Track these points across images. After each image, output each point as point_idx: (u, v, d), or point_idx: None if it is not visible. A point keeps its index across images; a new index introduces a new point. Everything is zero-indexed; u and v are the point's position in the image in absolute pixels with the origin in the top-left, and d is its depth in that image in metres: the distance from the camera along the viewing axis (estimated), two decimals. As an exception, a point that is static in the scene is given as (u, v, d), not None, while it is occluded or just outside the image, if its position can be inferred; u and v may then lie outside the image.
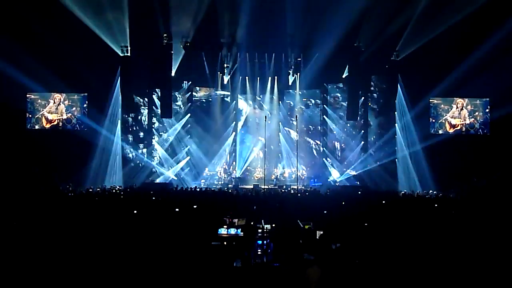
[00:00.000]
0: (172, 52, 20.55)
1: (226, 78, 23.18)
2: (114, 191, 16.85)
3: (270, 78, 23.19)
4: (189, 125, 23.17)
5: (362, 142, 22.36)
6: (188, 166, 22.70)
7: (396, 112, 21.16)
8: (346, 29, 19.16)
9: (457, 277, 5.52)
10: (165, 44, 20.21)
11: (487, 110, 21.08)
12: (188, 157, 22.73)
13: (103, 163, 19.75)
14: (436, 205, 13.06)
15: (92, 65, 19.27)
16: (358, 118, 22.05)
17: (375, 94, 22.52)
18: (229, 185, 21.21)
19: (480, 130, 21.13)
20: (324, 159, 23.18)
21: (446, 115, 21.24)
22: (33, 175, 18.08)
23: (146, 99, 22.13)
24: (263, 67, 22.73)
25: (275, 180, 22.14)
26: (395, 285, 5.51)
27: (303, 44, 21.18)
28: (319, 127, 23.65)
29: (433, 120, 21.30)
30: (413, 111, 20.65)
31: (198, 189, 17.50)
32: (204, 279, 5.54)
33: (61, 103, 20.87)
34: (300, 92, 23.77)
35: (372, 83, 22.41)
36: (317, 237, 7.90)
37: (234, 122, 23.92)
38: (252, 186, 20.39)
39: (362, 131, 22.49)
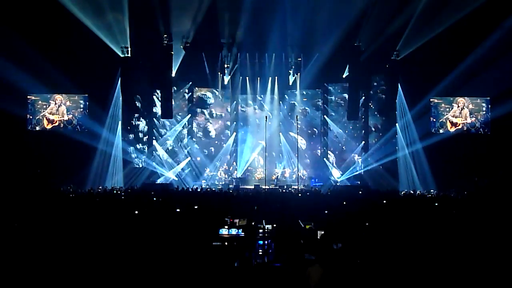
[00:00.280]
0: (172, 52, 20.56)
1: (226, 79, 23.21)
2: (115, 192, 16.85)
3: (270, 78, 23.22)
4: (189, 126, 23.22)
5: (363, 142, 22.38)
6: (189, 166, 22.73)
7: (396, 112, 21.15)
8: (346, 29, 19.18)
9: (458, 276, 5.52)
10: (166, 44, 20.22)
11: (488, 109, 21.06)
12: (189, 158, 22.76)
13: (104, 164, 19.77)
14: (436, 204, 13.05)
15: (93, 66, 19.30)
16: (359, 118, 22.05)
17: (375, 94, 22.51)
18: (230, 186, 21.22)
19: (481, 129, 21.12)
20: (324, 159, 23.18)
21: (447, 114, 21.24)
22: (34, 176, 18.10)
23: (146, 100, 22.14)
24: (264, 67, 22.75)
25: (275, 180, 22.14)
26: (396, 285, 5.51)
27: (303, 44, 21.17)
28: (320, 127, 23.66)
29: (434, 120, 21.31)
30: (413, 110, 20.64)
31: (199, 190, 17.50)
32: (205, 280, 5.55)
33: (62, 104, 20.89)
34: (300, 92, 23.78)
35: (372, 83, 22.39)
36: (318, 237, 7.89)
37: (234, 122, 23.95)
38: (253, 186, 20.41)
39: (363, 130, 22.51)
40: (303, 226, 8.69)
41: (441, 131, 21.26)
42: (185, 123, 23.04)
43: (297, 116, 21.61)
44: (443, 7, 17.78)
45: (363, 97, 22.08)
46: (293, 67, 22.78)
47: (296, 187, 19.54)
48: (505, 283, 5.37)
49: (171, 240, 7.35)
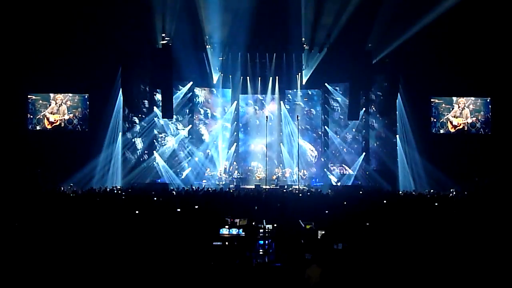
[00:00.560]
0: (173, 52, 20.55)
1: (227, 78, 23.19)
2: (115, 191, 16.86)
3: (271, 78, 23.21)
4: (190, 126, 23.22)
5: (364, 142, 22.37)
6: (190, 166, 22.73)
7: (397, 112, 21.15)
8: (347, 29, 19.17)
9: (459, 276, 5.52)
10: (166, 44, 20.21)
11: (488, 110, 21.06)
12: (189, 158, 22.77)
13: (104, 164, 19.77)
14: (436, 204, 13.05)
15: (94, 65, 19.30)
16: (359, 118, 22.04)
17: (376, 94, 22.50)
18: (231, 185, 21.21)
19: (481, 130, 21.12)
20: (325, 158, 23.18)
21: (447, 114, 21.23)
22: (34, 175, 18.10)
23: (147, 100, 22.15)
24: (264, 67, 22.73)
25: (276, 180, 22.14)
26: (397, 285, 5.51)
27: (304, 44, 21.16)
28: (320, 127, 23.66)
29: (435, 120, 21.30)
30: (414, 110, 20.63)
31: (199, 189, 17.50)
32: (205, 279, 5.55)
33: (62, 103, 20.89)
34: (301, 92, 23.78)
35: (373, 83, 22.37)
36: (319, 237, 7.90)
37: (235, 122, 23.96)
38: (253, 186, 20.40)
39: (363, 131, 22.49)
40: (303, 226, 8.69)
41: (441, 131, 21.25)
42: (186, 123, 23.03)
43: (297, 116, 21.60)
44: (443, 7, 17.75)
45: (364, 97, 22.07)
46: (294, 67, 22.76)
47: (296, 187, 19.54)
48: (505, 283, 5.37)
49: (172, 239, 7.35)
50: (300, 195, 16.41)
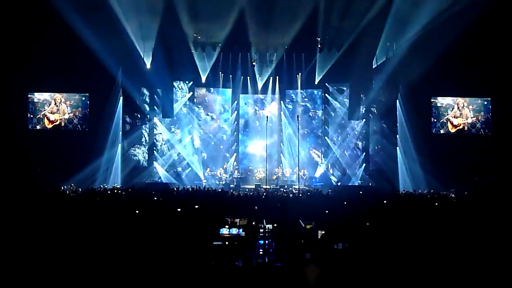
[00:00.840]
0: (173, 52, 20.56)
1: (227, 78, 23.20)
2: (115, 191, 16.86)
3: (271, 78, 23.21)
4: (190, 125, 23.22)
5: (364, 142, 22.36)
6: (190, 166, 22.74)
7: (397, 112, 21.15)
8: (347, 29, 19.17)
9: (459, 277, 5.51)
10: (166, 44, 20.21)
11: (488, 110, 21.06)
12: (189, 158, 22.77)
13: (104, 163, 19.77)
14: (436, 204, 13.05)
15: (94, 65, 19.30)
16: (360, 118, 22.03)
17: (376, 94, 22.46)
18: (231, 185, 21.22)
19: (481, 130, 21.12)
20: (325, 158, 23.18)
21: (447, 114, 21.23)
22: (34, 175, 18.11)
23: (147, 99, 22.15)
24: (265, 67, 22.73)
25: (276, 180, 22.13)
26: (397, 285, 5.51)
27: (304, 44, 21.16)
28: (321, 127, 23.65)
29: (435, 120, 21.31)
30: (414, 111, 20.63)
31: (199, 189, 17.50)
32: (205, 279, 5.55)
33: (62, 103, 20.90)
34: (301, 92, 23.78)
35: (373, 83, 22.37)
36: (319, 237, 7.90)
37: (235, 122, 23.96)
38: (253, 186, 20.40)
39: (364, 131, 22.49)
40: (303, 226, 8.69)
41: (441, 131, 21.25)
42: (186, 123, 23.04)
43: (298, 116, 21.62)
44: (444, 7, 17.76)
45: (364, 98, 22.06)
46: (295, 67, 22.77)
47: (296, 186, 19.53)
48: (505, 283, 5.36)
49: (172, 239, 7.35)
50: (300, 195, 16.41)
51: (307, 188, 20.08)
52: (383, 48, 20.20)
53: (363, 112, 22.11)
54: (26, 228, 8.10)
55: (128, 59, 19.97)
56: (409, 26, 18.80)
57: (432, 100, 21.19)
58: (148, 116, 22.09)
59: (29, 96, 20.63)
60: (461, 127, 21.20)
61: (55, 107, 20.81)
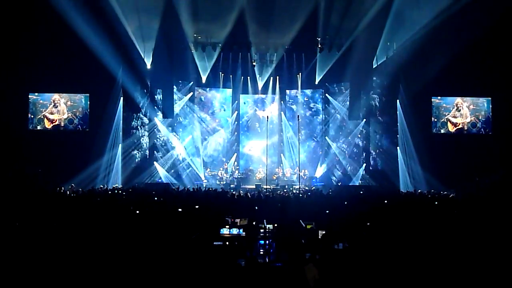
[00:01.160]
0: (173, 52, 20.56)
1: (227, 78, 23.20)
2: (116, 191, 16.87)
3: (272, 78, 23.22)
4: (190, 125, 23.24)
5: (364, 142, 22.36)
6: (190, 166, 22.75)
7: (397, 112, 21.15)
8: (347, 29, 19.17)
9: (459, 277, 5.51)
10: (167, 44, 20.21)
11: (489, 109, 21.05)
12: (190, 158, 22.78)
13: (105, 164, 19.77)
14: (436, 203, 13.04)
15: (94, 65, 19.30)
16: (360, 117, 22.04)
17: (377, 94, 22.49)
18: (231, 185, 21.22)
19: (482, 129, 21.12)
20: (325, 158, 23.18)
21: (448, 114, 21.22)
22: (35, 175, 18.10)
23: (147, 100, 22.16)
24: (265, 67, 22.74)
25: (277, 180, 22.13)
26: (397, 285, 5.50)
27: (304, 44, 21.15)
28: (321, 127, 23.66)
29: (435, 120, 21.29)
30: (415, 110, 20.62)
31: (199, 189, 17.50)
32: (205, 279, 5.54)
33: (63, 103, 20.91)
34: (302, 92, 23.78)
35: (374, 83, 22.38)
36: (319, 237, 7.89)
37: (236, 122, 23.97)
38: (254, 186, 20.40)
39: (364, 131, 22.49)
40: (304, 226, 8.69)
41: (442, 131, 21.24)
42: (186, 123, 23.05)
43: (298, 116, 21.64)
44: (444, 7, 17.75)
45: (365, 97, 22.07)
46: (295, 67, 22.77)
47: (297, 186, 19.53)
48: (506, 284, 5.35)
49: (172, 239, 7.35)
50: (301, 195, 16.41)
51: (307, 188, 20.06)
52: (383, 48, 20.17)
53: (363, 112, 22.10)
54: (27, 229, 8.10)
55: (129, 59, 19.98)
56: (410, 26, 18.78)
57: (432, 100, 21.17)
58: (148, 116, 22.09)
59: (29, 96, 20.63)
60: (461, 126, 21.19)
61: (55, 108, 20.82)
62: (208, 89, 23.77)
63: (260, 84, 23.53)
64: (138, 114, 21.82)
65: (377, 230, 8.53)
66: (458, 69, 19.18)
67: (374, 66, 21.38)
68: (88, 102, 20.91)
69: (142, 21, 19.34)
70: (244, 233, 8.43)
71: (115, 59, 19.59)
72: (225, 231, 8.48)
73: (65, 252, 6.21)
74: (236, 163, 23.53)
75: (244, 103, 24.28)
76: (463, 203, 13.49)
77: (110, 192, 16.38)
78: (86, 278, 5.37)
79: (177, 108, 22.53)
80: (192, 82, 22.98)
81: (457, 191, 17.53)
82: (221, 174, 22.41)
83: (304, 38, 20.42)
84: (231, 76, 23.28)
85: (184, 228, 8.44)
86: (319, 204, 12.71)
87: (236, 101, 23.92)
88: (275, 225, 8.67)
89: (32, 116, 20.69)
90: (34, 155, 19.07)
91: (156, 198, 13.92)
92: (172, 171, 21.98)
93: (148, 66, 21.16)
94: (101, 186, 18.26)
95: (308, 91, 23.85)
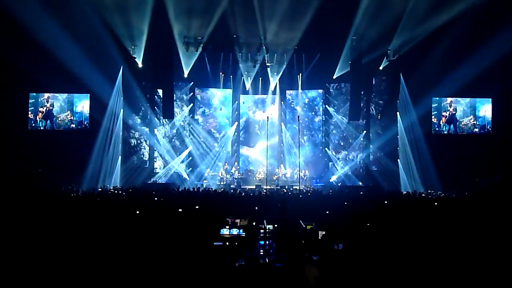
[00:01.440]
0: (174, 52, 20.55)
1: (228, 78, 23.19)
2: (116, 191, 16.86)
3: (272, 78, 23.22)
4: (191, 126, 23.23)
5: (364, 143, 22.36)
6: (190, 166, 22.75)
7: (398, 112, 21.15)
8: (348, 29, 19.15)
9: (460, 278, 5.50)
10: (167, 44, 20.20)
11: (490, 110, 21.05)
12: (190, 158, 22.78)
13: (105, 163, 19.77)
14: (436, 204, 13.03)
15: (95, 65, 19.29)
16: (360, 118, 22.03)
17: (377, 95, 22.48)
18: (231, 186, 21.22)
19: (482, 130, 21.12)
20: (326, 159, 23.16)
21: (448, 114, 21.22)
22: (35, 175, 18.10)
23: (148, 100, 22.16)
24: (265, 67, 22.74)
25: (277, 180, 22.12)
26: (397, 286, 5.49)
27: (305, 44, 21.14)
28: (321, 127, 23.65)
29: (435, 120, 21.30)
30: (415, 110, 20.63)
31: (200, 190, 17.49)
32: (206, 280, 5.54)
33: (63, 103, 20.91)
34: (302, 92, 23.78)
35: (374, 83, 22.38)
36: (319, 237, 7.88)
37: (236, 123, 23.97)
38: (254, 187, 20.40)
39: (364, 131, 22.49)
40: (304, 226, 8.68)
41: (442, 131, 21.25)
42: (187, 123, 23.05)
43: (298, 116, 21.60)
44: (445, 7, 17.75)
45: (365, 98, 22.06)
46: (295, 67, 22.76)
47: (297, 187, 19.51)
48: (506, 284, 5.35)
49: (173, 239, 7.34)
50: (301, 196, 16.40)
51: (307, 188, 20.05)
52: (384, 48, 20.16)
53: (364, 112, 22.10)
54: (27, 229, 8.10)
55: (129, 59, 19.97)
56: (410, 26, 18.77)
57: (432, 100, 21.18)
58: (148, 116, 22.09)
59: (29, 96, 20.63)
60: (461, 127, 21.20)
61: (55, 108, 20.82)
62: (208, 89, 23.74)
63: (261, 85, 23.52)
64: (138, 114, 21.81)
65: (377, 230, 8.52)
66: (458, 69, 19.17)
67: (375, 66, 21.36)
68: (88, 102, 20.90)
69: (142, 21, 19.28)
70: (244, 233, 8.43)
71: (116, 59, 19.60)
72: (225, 231, 8.49)
73: (65, 253, 6.21)
74: (236, 163, 23.53)
75: (243, 102, 24.27)
76: (463, 204, 13.48)
77: (110, 192, 16.39)
78: (86, 278, 5.37)
79: (177, 109, 22.52)
80: (192, 83, 22.97)
81: (458, 191, 17.52)
82: (221, 175, 22.41)
83: (304, 38, 20.38)
84: (231, 76, 23.27)
85: (184, 228, 8.44)
86: (319, 204, 12.70)
87: (236, 102, 23.92)
88: (275, 225, 8.66)
89: (32, 116, 20.69)
90: (34, 155, 19.07)
91: (156, 199, 13.92)
92: (172, 171, 21.98)
93: (149, 67, 21.17)
94: (101, 186, 18.25)
95: (309, 92, 23.82)
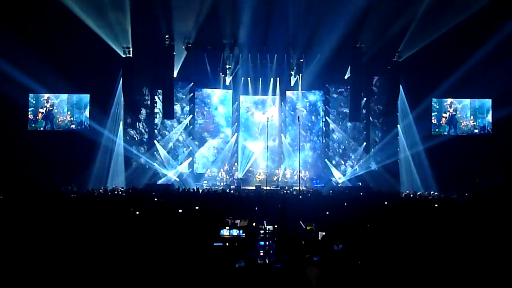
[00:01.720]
0: (174, 53, 20.55)
1: (228, 79, 23.19)
2: (116, 192, 16.86)
3: (272, 79, 23.21)
4: (191, 126, 23.23)
5: (365, 143, 22.35)
6: (190, 167, 22.74)
7: (398, 113, 21.15)
8: (348, 30, 19.13)
9: (460, 278, 5.50)
10: (167, 45, 20.21)
11: (490, 111, 21.06)
12: (190, 158, 22.77)
13: (105, 164, 19.77)
14: (436, 205, 13.02)
15: (95, 66, 19.31)
16: (361, 119, 22.03)
17: (377, 95, 22.48)
18: (231, 186, 21.20)
19: (482, 131, 21.13)
20: (326, 160, 23.15)
21: (448, 115, 21.23)
22: (35, 176, 18.10)
23: (148, 100, 22.16)
24: (265, 68, 22.72)
25: (277, 181, 22.11)
26: (398, 286, 5.49)
27: (305, 45, 21.14)
28: (321, 128, 23.64)
29: (435, 120, 21.31)
30: (415, 111, 20.65)
31: (200, 190, 17.48)
32: (206, 281, 5.53)
33: (63, 104, 20.92)
34: (302, 93, 23.76)
35: (374, 84, 22.38)
36: (319, 238, 7.88)
37: (236, 123, 23.95)
38: (254, 187, 20.39)
39: (365, 132, 22.48)
40: (304, 227, 8.67)
41: (442, 132, 21.26)
42: (187, 124, 23.04)
43: (298, 117, 21.62)
44: (445, 8, 17.77)
45: (365, 99, 22.06)
46: (295, 68, 22.73)
47: (297, 188, 19.51)
48: (506, 285, 5.35)
49: (173, 240, 7.34)
50: (301, 196, 16.39)
51: (307, 189, 20.04)
52: (384, 48, 20.17)
53: (364, 112, 22.09)
54: (27, 229, 8.09)
55: (129, 60, 19.97)
56: (410, 26, 18.79)
57: (432, 100, 21.19)
58: (149, 117, 22.09)
59: (29, 96, 20.63)
60: (461, 128, 21.21)
61: (55, 108, 20.83)
62: (208, 89, 23.73)
63: (261, 85, 23.51)
64: (139, 114, 21.82)
65: (377, 231, 8.51)
66: (458, 69, 19.18)
67: (375, 67, 21.37)
68: (89, 103, 20.91)
69: (143, 21, 19.27)
70: (244, 234, 8.42)
71: (116, 59, 19.61)
72: (225, 232, 8.47)
73: (65, 253, 6.21)
74: (236, 164, 23.52)
75: (247, 105, 24.23)
76: (463, 205, 13.48)
77: (110, 193, 16.38)
78: (86, 278, 5.37)
79: (177, 109, 22.48)
80: (192, 83, 22.97)
81: (458, 192, 17.52)
82: (221, 175, 22.39)
83: (305, 38, 20.38)
84: (231, 77, 23.27)
85: (184, 229, 8.43)
86: (319, 205, 12.69)
87: (237, 102, 23.90)
88: (275, 226, 8.66)
89: (32, 116, 20.70)
90: (34, 155, 19.08)
91: (156, 199, 13.91)
92: (173, 172, 21.97)
93: (149, 67, 21.17)
94: (101, 187, 18.24)
95: (309, 93, 23.79)
